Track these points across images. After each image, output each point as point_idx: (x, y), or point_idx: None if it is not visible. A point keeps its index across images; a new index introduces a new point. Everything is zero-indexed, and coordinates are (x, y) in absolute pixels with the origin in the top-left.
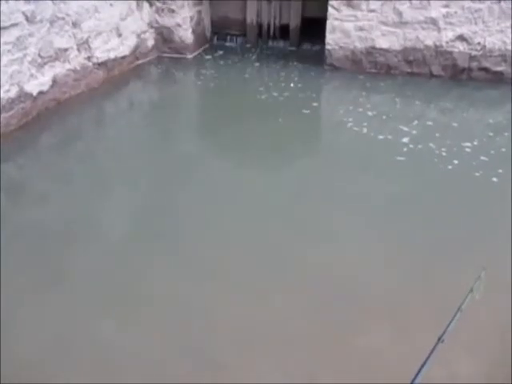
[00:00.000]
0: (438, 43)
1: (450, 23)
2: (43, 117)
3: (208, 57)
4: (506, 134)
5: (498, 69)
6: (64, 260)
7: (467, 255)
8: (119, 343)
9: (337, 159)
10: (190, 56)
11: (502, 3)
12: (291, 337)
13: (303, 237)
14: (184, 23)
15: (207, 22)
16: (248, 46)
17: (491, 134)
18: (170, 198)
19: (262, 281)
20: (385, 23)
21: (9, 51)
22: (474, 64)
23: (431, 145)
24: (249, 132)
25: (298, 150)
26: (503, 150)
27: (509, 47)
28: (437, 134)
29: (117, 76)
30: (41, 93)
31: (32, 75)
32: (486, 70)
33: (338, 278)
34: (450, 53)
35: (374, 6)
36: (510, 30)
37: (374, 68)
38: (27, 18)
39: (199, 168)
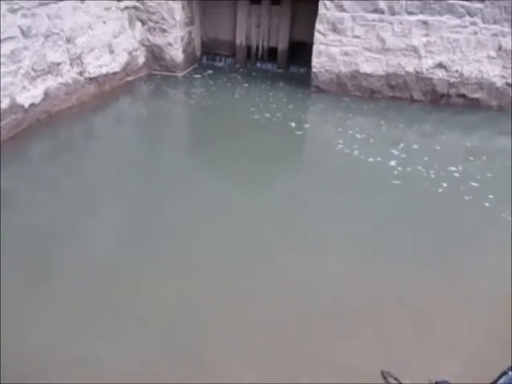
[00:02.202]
0: (418, 70)
1: (430, 51)
2: (34, 128)
3: (197, 76)
4: (485, 157)
5: (475, 96)
6: (51, 267)
7: (450, 275)
8: (107, 344)
9: (330, 181)
10: (179, 74)
11: (479, 35)
12: (277, 340)
13: (290, 251)
14: (175, 42)
15: (197, 42)
16: (237, 66)
17: (472, 158)
18: (155, 211)
19: (246, 288)
20: (369, 49)
21: (3, 63)
22: (453, 90)
23: (419, 168)
24: (240, 152)
25: (293, 171)
26: (489, 175)
27: (485, 75)
28: (425, 158)
29: (107, 91)
30: (32, 105)
31: (24, 87)
32: (463, 96)
33: (321, 292)
34: (430, 79)
35: (358, 32)
36: (485, 59)
37: (358, 91)
38: (23, 32)
39: (187, 184)
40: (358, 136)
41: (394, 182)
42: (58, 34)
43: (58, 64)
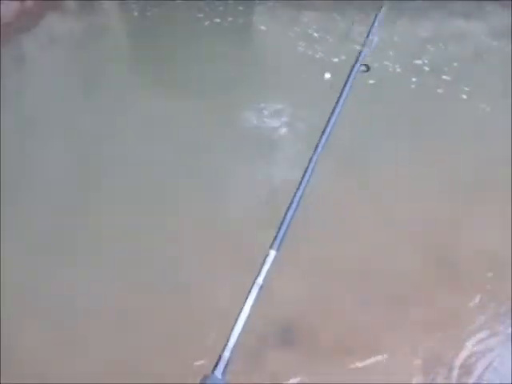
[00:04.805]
0: None
1: None
2: None
3: None
4: (441, 45)
5: None
6: None
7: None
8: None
9: (292, 83)
10: None
11: None
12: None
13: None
14: None
15: None
16: None
17: (430, 47)
18: (102, 133)
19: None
20: None
21: None
22: None
23: (386, 63)
24: (194, 62)
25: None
26: (455, 64)
27: None
28: (390, 53)
29: (31, 7)
30: None
31: None
32: None
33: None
34: None
35: None
36: None
37: None
38: None
39: (137, 103)
40: (315, 35)
41: (369, 81)
42: None
43: None
